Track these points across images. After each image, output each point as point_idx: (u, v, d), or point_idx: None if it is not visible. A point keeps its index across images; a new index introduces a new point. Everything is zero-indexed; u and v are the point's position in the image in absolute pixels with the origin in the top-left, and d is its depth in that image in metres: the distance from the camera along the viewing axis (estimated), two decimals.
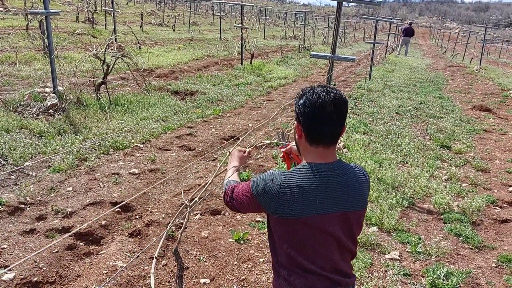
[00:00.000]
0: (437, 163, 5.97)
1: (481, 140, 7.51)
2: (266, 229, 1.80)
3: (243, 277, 3.23)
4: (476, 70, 17.66)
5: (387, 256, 3.66)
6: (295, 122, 1.68)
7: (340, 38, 25.51)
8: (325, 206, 1.58)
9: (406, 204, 4.60)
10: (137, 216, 4.03)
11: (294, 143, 2.11)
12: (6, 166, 4.59)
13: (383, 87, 11.95)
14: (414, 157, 6.09)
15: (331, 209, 1.59)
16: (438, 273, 3.32)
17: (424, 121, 8.51)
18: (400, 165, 5.86)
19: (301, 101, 1.63)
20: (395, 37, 25.46)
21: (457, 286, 3.24)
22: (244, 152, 2.16)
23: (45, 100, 6.44)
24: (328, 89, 1.63)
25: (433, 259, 3.66)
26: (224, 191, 1.88)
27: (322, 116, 1.59)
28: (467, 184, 5.38)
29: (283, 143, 2.23)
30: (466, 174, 5.71)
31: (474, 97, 11.82)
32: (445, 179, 5.46)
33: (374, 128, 7.53)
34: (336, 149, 5.64)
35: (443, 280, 3.26)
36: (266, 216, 1.73)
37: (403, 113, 9.04)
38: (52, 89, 6.60)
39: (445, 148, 6.80)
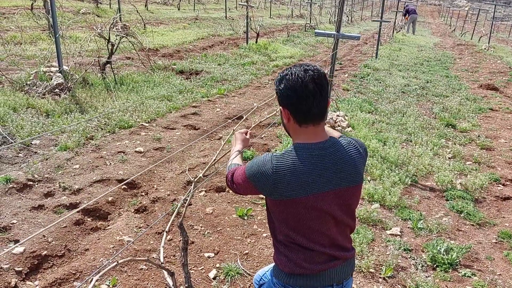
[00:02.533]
0: (442, 141, 5.97)
1: (487, 119, 7.48)
2: None
3: (247, 251, 3.31)
4: (485, 48, 17.41)
5: (388, 232, 3.72)
6: (280, 107, 1.68)
7: (347, 16, 25.17)
8: (319, 185, 1.59)
9: (409, 182, 4.64)
10: (143, 193, 4.10)
11: None
12: (14, 144, 4.67)
13: (389, 66, 11.85)
14: (418, 136, 6.09)
15: (326, 188, 1.60)
16: (438, 248, 3.38)
17: (430, 100, 8.47)
18: (404, 143, 5.87)
19: (282, 85, 1.62)
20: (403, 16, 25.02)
21: (457, 260, 3.29)
22: (247, 134, 2.16)
23: (51, 79, 6.48)
24: (305, 67, 1.61)
25: (434, 235, 3.71)
26: (226, 174, 1.89)
27: (305, 95, 1.57)
28: (470, 162, 5.39)
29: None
30: (470, 153, 5.71)
31: (481, 76, 11.70)
32: (449, 158, 5.48)
33: (379, 107, 7.51)
34: (341, 128, 5.61)
35: (443, 254, 3.31)
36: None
37: (409, 92, 9.00)
38: (57, 69, 6.63)
39: (450, 126, 6.79)
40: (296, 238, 1.64)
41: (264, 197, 1.73)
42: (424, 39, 21.20)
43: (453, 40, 21.83)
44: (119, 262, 1.44)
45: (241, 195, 1.86)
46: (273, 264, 1.82)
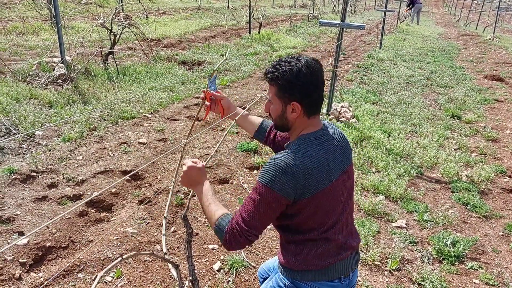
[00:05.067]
0: (447, 133, 5.92)
1: (492, 110, 7.41)
2: None
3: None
4: (490, 39, 17.24)
5: (394, 224, 3.69)
6: (281, 102, 1.60)
7: (350, 6, 24.94)
8: (336, 170, 1.60)
9: (414, 174, 4.60)
10: (146, 184, 4.08)
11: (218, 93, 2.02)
12: (17, 135, 4.64)
13: (393, 56, 11.76)
14: (423, 127, 6.04)
15: (339, 171, 1.62)
16: (444, 241, 3.35)
17: (434, 91, 8.40)
18: (409, 135, 5.82)
19: (300, 77, 1.54)
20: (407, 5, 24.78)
21: (463, 253, 3.27)
22: (197, 163, 1.73)
23: (54, 70, 6.44)
24: (306, 57, 1.60)
25: (440, 227, 3.68)
26: (225, 233, 1.55)
27: (319, 84, 1.58)
28: (476, 154, 5.34)
29: (211, 88, 2.01)
30: (476, 144, 5.66)
31: (486, 67, 11.59)
32: (454, 149, 5.43)
33: (383, 98, 7.45)
34: (345, 119, 5.57)
35: (449, 247, 3.28)
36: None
37: (414, 82, 8.92)
38: (60, 59, 6.59)
39: (456, 118, 6.73)
40: (319, 232, 1.61)
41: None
42: (429, 29, 21.02)
43: (457, 31, 21.62)
44: (124, 257, 1.40)
45: (258, 236, 1.56)
46: (277, 254, 1.80)
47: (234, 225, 1.55)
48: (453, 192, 4.36)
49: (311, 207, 1.55)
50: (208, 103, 2.06)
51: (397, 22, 20.35)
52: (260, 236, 1.59)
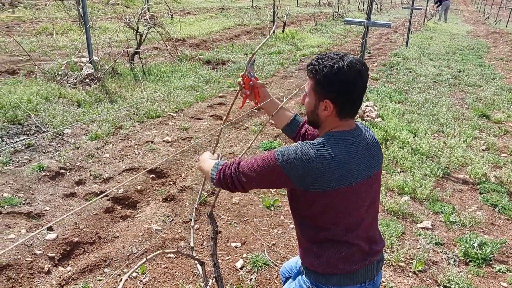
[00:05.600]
0: (475, 132, 5.78)
1: None
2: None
3: (273, 242, 3.30)
4: None
5: (419, 225, 3.63)
6: (316, 97, 1.57)
7: (376, 4, 24.62)
8: (359, 173, 1.54)
9: (441, 174, 4.51)
10: (170, 182, 4.14)
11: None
12: (47, 133, 4.78)
13: (420, 55, 11.55)
14: (450, 127, 5.92)
15: (364, 175, 1.56)
16: (471, 243, 3.28)
17: (462, 90, 8.21)
18: (436, 134, 5.72)
19: (338, 76, 1.49)
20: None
21: (491, 255, 3.19)
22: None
23: (82, 69, 6.60)
24: (352, 57, 1.53)
25: (466, 229, 3.60)
26: (219, 168, 1.64)
27: (358, 87, 1.52)
28: (505, 155, 5.20)
29: (250, 74, 1.92)
30: (505, 144, 5.51)
31: None
32: (482, 149, 5.30)
33: (409, 97, 7.33)
34: (370, 119, 5.50)
35: (476, 249, 3.21)
36: (289, 193, 1.63)
37: (441, 81, 8.74)
38: (88, 59, 6.74)
39: (484, 117, 6.56)
40: (335, 233, 1.56)
41: (289, 196, 1.62)
42: (457, 27, 20.55)
43: (487, 28, 21.05)
44: (148, 258, 1.43)
45: (242, 191, 1.61)
46: (299, 255, 1.78)
47: (230, 163, 1.62)
48: (480, 193, 4.26)
49: (323, 203, 1.51)
50: (247, 91, 1.95)
51: (424, 20, 19.96)
52: (242, 192, 1.62)
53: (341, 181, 1.49)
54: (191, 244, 1.89)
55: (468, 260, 3.20)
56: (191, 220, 3.52)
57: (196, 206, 2.02)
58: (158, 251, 1.50)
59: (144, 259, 1.43)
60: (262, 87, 1.97)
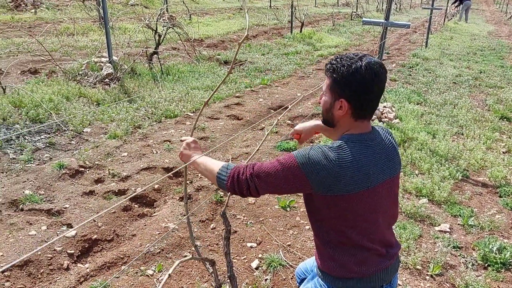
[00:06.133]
0: (495, 135, 5.68)
1: None
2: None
3: (289, 243, 3.30)
4: None
5: (437, 228, 3.59)
6: (332, 96, 1.56)
7: (395, 4, 24.36)
8: (377, 177, 1.53)
9: (460, 177, 4.45)
10: (187, 182, 4.17)
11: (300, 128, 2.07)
12: (67, 132, 4.87)
13: (440, 56, 11.39)
14: (470, 129, 5.83)
15: (381, 178, 1.55)
16: (490, 247, 3.23)
17: (483, 91, 8.07)
18: (455, 136, 5.63)
19: (355, 76, 1.48)
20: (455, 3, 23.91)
21: (510, 260, 3.13)
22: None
23: (101, 69, 6.70)
24: (371, 59, 1.52)
25: (485, 233, 3.54)
26: (230, 173, 1.59)
27: (375, 89, 1.51)
28: None
29: (289, 138, 2.11)
30: None
31: None
32: (503, 152, 5.20)
33: (428, 98, 7.24)
34: (388, 120, 5.45)
35: (496, 253, 3.16)
36: (305, 196, 1.62)
37: (461, 82, 8.61)
38: (107, 59, 6.84)
39: (505, 119, 6.44)
40: (352, 236, 1.55)
41: (305, 199, 1.61)
42: (478, 27, 20.20)
43: (509, 28, 20.63)
44: (169, 273, 1.45)
45: (256, 196, 1.57)
46: (315, 257, 1.78)
47: (243, 166, 1.57)
48: (500, 196, 4.18)
49: (340, 206, 1.50)
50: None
51: (444, 20, 19.68)
52: (255, 196, 1.58)
53: (359, 184, 1.48)
54: (194, 243, 1.91)
55: (486, 264, 3.15)
56: (207, 219, 3.57)
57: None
58: (177, 261, 1.51)
59: (178, 262, 1.45)
60: (301, 133, 2.09)
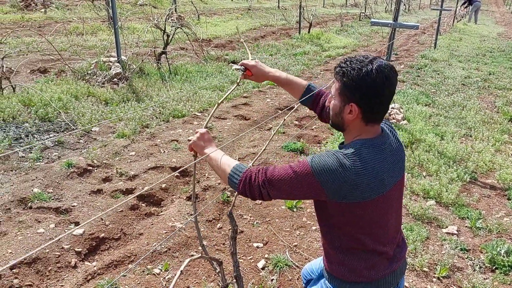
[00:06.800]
0: (504, 137, 5.64)
1: None
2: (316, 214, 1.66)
3: (295, 243, 3.30)
4: None
5: (444, 230, 3.57)
6: (341, 100, 1.52)
7: (404, 5, 24.24)
8: (389, 181, 1.51)
9: (468, 179, 4.42)
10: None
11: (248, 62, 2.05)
12: (76, 131, 4.91)
13: (449, 57, 11.32)
14: (479, 131, 5.79)
15: (392, 182, 1.53)
16: (498, 249, 3.20)
17: (492, 93, 8.01)
18: (463, 138, 5.60)
19: (365, 80, 1.44)
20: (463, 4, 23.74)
21: None
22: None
23: (110, 69, 6.74)
24: (382, 61, 1.48)
25: (493, 235, 3.52)
26: (243, 177, 1.54)
27: (385, 92, 1.47)
28: None
29: (241, 69, 2.12)
30: None
31: None
32: None
33: (437, 99, 7.21)
34: (395, 121, 5.43)
35: (503, 256, 3.14)
36: (316, 203, 1.60)
37: (470, 84, 8.55)
38: (116, 59, 6.88)
39: None
40: (365, 242, 1.52)
41: (317, 204, 1.59)
42: (487, 28, 20.04)
43: None
44: (180, 270, 1.46)
45: (268, 200, 1.54)
46: (321, 258, 1.77)
47: (254, 171, 1.53)
48: (509, 199, 4.15)
49: (355, 213, 1.48)
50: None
51: (453, 21, 19.55)
52: (267, 200, 1.54)
53: (375, 191, 1.45)
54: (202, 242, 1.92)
55: (494, 267, 3.13)
56: (214, 219, 3.58)
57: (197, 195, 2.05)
58: (186, 260, 1.53)
59: (188, 259, 1.46)
60: (254, 67, 2.07)
